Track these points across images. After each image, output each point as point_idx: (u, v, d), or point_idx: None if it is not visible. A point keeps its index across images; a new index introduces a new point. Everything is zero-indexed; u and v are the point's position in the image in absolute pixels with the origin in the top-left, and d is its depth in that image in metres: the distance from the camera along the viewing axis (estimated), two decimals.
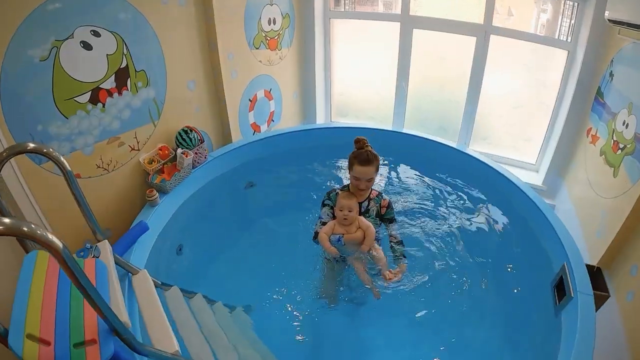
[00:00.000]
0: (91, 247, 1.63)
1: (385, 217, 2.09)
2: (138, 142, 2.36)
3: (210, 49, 2.67)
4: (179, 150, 2.50)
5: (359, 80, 3.84)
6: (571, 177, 2.81)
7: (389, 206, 2.10)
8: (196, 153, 2.62)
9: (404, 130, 3.24)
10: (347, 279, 2.17)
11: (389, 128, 3.35)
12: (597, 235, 2.30)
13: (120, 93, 2.13)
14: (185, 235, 2.60)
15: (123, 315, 1.38)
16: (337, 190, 2.07)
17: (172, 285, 2.04)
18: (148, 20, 2.17)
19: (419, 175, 3.16)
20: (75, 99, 1.90)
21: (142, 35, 2.16)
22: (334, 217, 2.03)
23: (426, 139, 3.10)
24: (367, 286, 2.00)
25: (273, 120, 3.58)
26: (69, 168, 1.49)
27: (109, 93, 2.07)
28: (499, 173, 2.66)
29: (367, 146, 1.95)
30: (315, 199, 3.17)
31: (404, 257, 2.03)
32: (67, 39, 1.77)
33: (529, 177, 3.08)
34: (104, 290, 1.45)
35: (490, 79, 3.08)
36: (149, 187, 2.35)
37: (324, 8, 3.45)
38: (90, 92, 1.96)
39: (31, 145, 1.38)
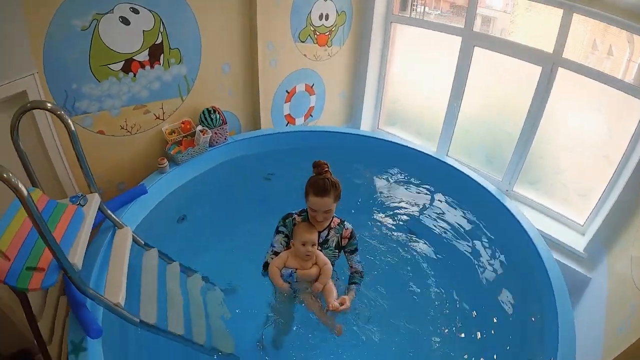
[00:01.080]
0: (81, 196, 2.02)
1: (346, 248, 2.02)
2: (163, 113, 2.75)
3: (250, 37, 2.95)
4: (199, 127, 2.85)
5: (414, 91, 3.83)
6: (616, 252, 2.53)
7: (352, 236, 2.01)
8: (215, 133, 2.95)
9: (445, 159, 3.19)
10: (302, 314, 2.14)
11: (429, 152, 3.29)
12: (617, 332, 2.09)
13: (152, 66, 2.53)
14: (190, 208, 2.96)
15: (76, 258, 1.71)
16: (295, 216, 1.98)
17: (153, 247, 2.39)
18: (188, 3, 2.52)
19: (446, 208, 3.12)
20: (109, 66, 2.33)
21: (180, 16, 2.52)
22: (287, 247, 1.95)
23: (464, 173, 3.04)
24: (325, 324, 1.96)
25: (311, 116, 3.78)
26: (73, 129, 1.87)
27: (141, 65, 2.47)
28: (530, 238, 2.51)
29: (326, 172, 1.84)
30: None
31: (357, 284, 2.01)
32: (107, 13, 2.18)
33: (572, 239, 2.84)
34: (71, 234, 1.81)
35: (552, 117, 2.88)
36: (163, 156, 2.74)
37: (387, 11, 3.52)
38: (123, 62, 2.38)
39: (49, 105, 1.79)
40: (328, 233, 1.99)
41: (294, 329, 2.19)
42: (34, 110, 2.11)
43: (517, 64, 2.89)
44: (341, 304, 1.84)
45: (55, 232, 1.74)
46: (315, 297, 1.98)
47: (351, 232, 2.02)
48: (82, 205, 2.01)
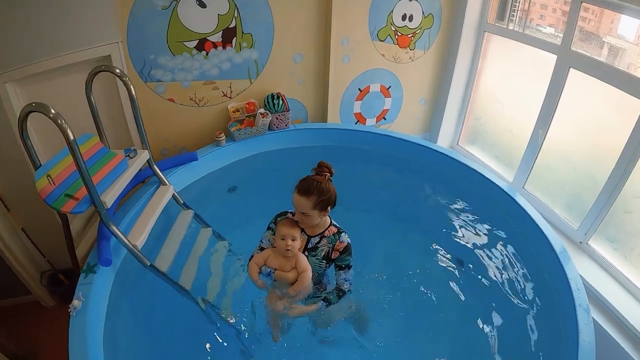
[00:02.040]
0: (132, 150, 2.36)
1: (337, 262, 1.91)
2: (231, 92, 3.02)
3: (325, 30, 3.02)
4: (260, 110, 3.05)
5: (501, 110, 3.47)
6: None
7: (345, 251, 1.88)
8: (277, 118, 3.12)
9: (514, 195, 2.79)
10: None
11: (501, 183, 2.91)
12: None
13: (224, 47, 2.79)
14: (241, 183, 3.18)
15: (107, 198, 2.01)
16: (289, 215, 1.92)
17: (190, 209, 2.67)
18: None
19: (504, 249, 2.77)
20: (184, 42, 2.65)
21: (255, 4, 2.72)
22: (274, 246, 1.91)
23: (530, 217, 2.65)
24: (270, 326, 1.99)
25: (385, 119, 3.71)
26: (134, 94, 2.18)
27: (214, 45, 2.75)
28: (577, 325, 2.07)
29: (323, 175, 1.76)
30: (386, 210, 3.24)
31: (329, 302, 1.90)
32: None
33: None
34: (111, 178, 2.13)
35: None
36: (223, 130, 3.01)
37: (480, 19, 3.24)
38: (197, 41, 2.68)
39: (117, 70, 2.14)
40: (320, 240, 1.89)
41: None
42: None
43: (618, 95, 2.42)
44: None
45: (98, 174, 2.09)
46: (281, 301, 1.94)
47: (345, 247, 1.88)
48: (131, 158, 2.36)
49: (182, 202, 2.66)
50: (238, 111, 3.09)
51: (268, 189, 3.24)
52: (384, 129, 3.72)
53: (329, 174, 1.80)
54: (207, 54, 2.76)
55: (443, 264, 2.84)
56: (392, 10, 3.12)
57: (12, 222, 2.58)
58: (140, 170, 2.50)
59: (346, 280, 1.93)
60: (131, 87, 2.17)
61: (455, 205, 3.20)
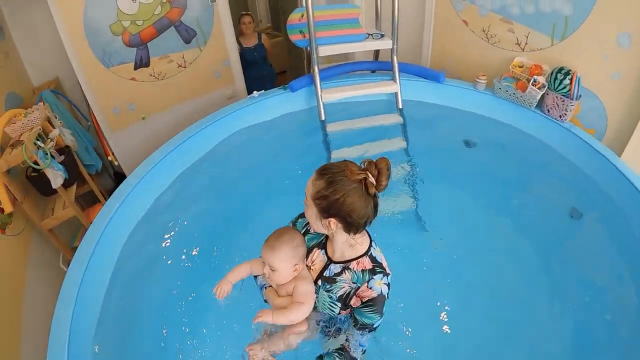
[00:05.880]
0: (381, 34, 2.90)
1: (355, 313, 1.30)
2: (526, 44, 2.79)
3: None
4: (539, 77, 2.64)
5: None
6: None
7: (372, 304, 1.25)
8: (553, 99, 2.61)
9: None
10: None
11: None
12: None
13: None
14: (483, 143, 2.91)
15: (322, 48, 2.86)
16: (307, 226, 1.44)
17: (402, 117, 3.01)
18: None
19: None
20: None
21: None
22: None
23: None
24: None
25: None
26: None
27: None
28: None
29: (363, 172, 1.17)
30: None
31: None
32: None
33: None
34: (340, 39, 2.96)
35: None
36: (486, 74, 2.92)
37: None
38: None
39: None
40: (341, 272, 1.32)
41: None
42: None
43: None
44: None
45: (333, 31, 3.01)
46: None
47: (374, 299, 1.26)
48: (374, 38, 2.93)
49: (400, 107, 3.03)
50: (521, 67, 2.79)
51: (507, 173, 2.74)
52: None
53: (370, 179, 1.16)
54: None
55: None
56: None
57: None
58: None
59: (361, 346, 1.35)
60: None
61: None
